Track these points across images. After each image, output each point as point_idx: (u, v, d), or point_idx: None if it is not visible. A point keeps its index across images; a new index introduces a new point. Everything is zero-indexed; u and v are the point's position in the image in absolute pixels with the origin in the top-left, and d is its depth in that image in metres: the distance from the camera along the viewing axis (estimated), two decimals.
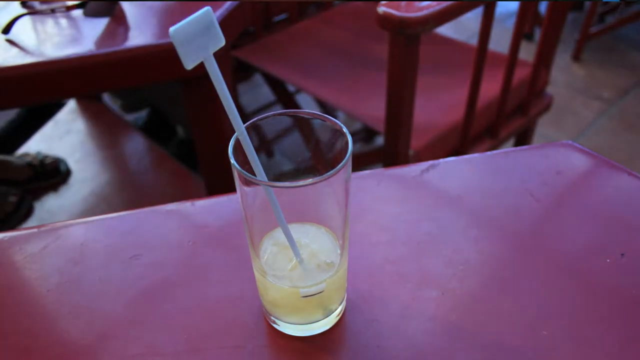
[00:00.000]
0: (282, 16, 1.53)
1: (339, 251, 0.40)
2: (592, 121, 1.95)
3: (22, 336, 0.42)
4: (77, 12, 0.85)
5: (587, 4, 2.39)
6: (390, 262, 0.46)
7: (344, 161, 0.34)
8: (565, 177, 0.54)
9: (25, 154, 1.31)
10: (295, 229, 0.40)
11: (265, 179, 0.36)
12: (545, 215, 0.50)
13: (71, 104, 1.56)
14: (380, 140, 1.76)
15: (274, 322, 0.41)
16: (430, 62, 1.26)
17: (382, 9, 0.83)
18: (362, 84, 1.27)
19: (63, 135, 1.45)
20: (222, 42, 0.31)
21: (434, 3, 0.83)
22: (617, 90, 2.10)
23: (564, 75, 2.18)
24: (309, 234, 0.41)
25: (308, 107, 1.82)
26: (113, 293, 0.45)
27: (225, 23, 0.80)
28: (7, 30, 0.79)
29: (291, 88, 1.65)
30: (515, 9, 0.99)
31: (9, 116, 1.44)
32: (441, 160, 0.56)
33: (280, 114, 0.38)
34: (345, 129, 0.36)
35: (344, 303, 0.42)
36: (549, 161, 0.56)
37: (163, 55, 0.77)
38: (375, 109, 1.13)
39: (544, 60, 1.16)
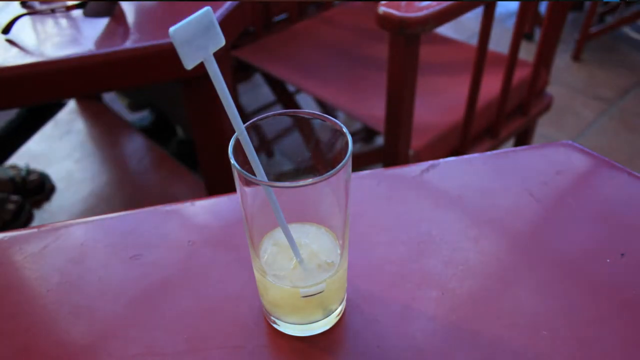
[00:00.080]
0: (282, 16, 1.53)
1: (339, 251, 0.40)
2: (592, 121, 1.95)
3: (22, 336, 0.42)
4: (77, 12, 0.85)
5: (587, 4, 2.40)
6: (390, 262, 0.46)
7: (344, 161, 0.34)
8: (565, 177, 0.54)
9: (13, 166, 1.30)
10: (295, 229, 0.40)
11: (266, 179, 0.36)
12: (545, 215, 0.50)
13: (71, 104, 1.56)
14: (380, 140, 1.76)
15: (274, 322, 0.41)
16: (430, 62, 1.26)
17: (382, 9, 0.83)
18: (362, 84, 1.27)
19: (63, 135, 1.45)
20: (222, 42, 0.31)
21: (434, 3, 0.83)
22: (617, 90, 2.10)
23: (564, 75, 2.18)
24: (309, 234, 0.41)
25: (308, 107, 1.82)
26: (113, 293, 0.45)
27: (225, 23, 0.80)
28: (7, 30, 0.79)
29: (291, 88, 1.65)
30: (515, 9, 0.99)
31: (9, 116, 1.44)
32: (441, 160, 0.56)
33: (280, 114, 0.38)
34: (345, 129, 0.36)
35: (344, 303, 0.42)
36: (549, 161, 0.56)
37: (163, 55, 0.77)
38: (375, 109, 1.13)
39: (544, 60, 1.16)
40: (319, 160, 0.40)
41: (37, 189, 1.25)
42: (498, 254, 0.47)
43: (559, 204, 0.51)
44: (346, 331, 0.41)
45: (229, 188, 0.45)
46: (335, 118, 0.37)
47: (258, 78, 2.00)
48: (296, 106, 1.64)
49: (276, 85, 1.57)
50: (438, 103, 1.18)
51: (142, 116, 1.70)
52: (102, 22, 0.83)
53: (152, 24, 0.85)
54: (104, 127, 1.51)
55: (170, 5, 0.87)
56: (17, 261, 0.48)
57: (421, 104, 1.02)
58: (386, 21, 0.83)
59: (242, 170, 0.33)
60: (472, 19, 1.40)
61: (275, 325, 0.41)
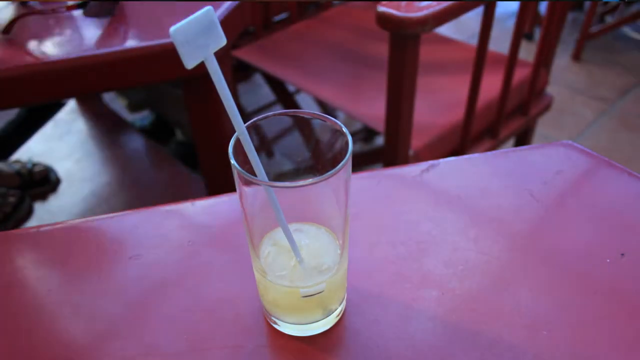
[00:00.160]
0: (282, 16, 1.53)
1: (339, 251, 0.40)
2: (592, 121, 1.95)
3: (23, 336, 0.42)
4: (77, 12, 0.85)
5: (587, 4, 2.40)
6: (390, 262, 0.46)
7: (344, 161, 0.33)
8: (565, 177, 0.54)
9: (17, 161, 1.31)
10: (295, 229, 0.40)
11: (266, 179, 0.36)
12: (545, 215, 0.50)
13: (71, 104, 1.56)
14: (380, 140, 1.76)
15: (274, 322, 0.41)
16: (430, 62, 1.26)
17: (382, 9, 0.83)
18: (362, 84, 1.27)
19: (63, 135, 1.45)
20: (223, 42, 0.31)
21: (434, 3, 0.83)
22: (617, 90, 2.10)
23: (564, 75, 2.18)
24: (309, 234, 0.41)
25: (308, 107, 1.82)
26: (113, 293, 0.45)
27: (225, 23, 0.80)
28: (7, 30, 0.79)
29: (291, 88, 1.65)
30: (515, 9, 0.99)
31: (9, 116, 1.44)
32: (441, 160, 0.56)
33: (280, 114, 0.38)
34: (345, 129, 0.36)
35: (344, 303, 0.42)
36: (549, 161, 0.56)
37: (163, 55, 0.77)
38: (375, 109, 1.13)
39: (544, 60, 1.16)
40: (319, 160, 0.40)
41: (43, 180, 1.26)
42: (498, 254, 0.47)
43: (559, 204, 0.51)
44: (346, 331, 0.41)
45: (229, 188, 0.45)
46: (335, 118, 0.37)
47: (258, 78, 2.00)
48: (296, 106, 1.64)
49: (276, 85, 1.57)
50: (438, 103, 1.18)
51: (142, 116, 1.70)
52: (102, 22, 0.83)
53: (152, 24, 0.85)
54: (104, 127, 1.51)
55: (171, 5, 0.87)
56: (17, 261, 0.48)
57: (421, 104, 1.02)
58: (386, 21, 0.83)
59: (242, 170, 0.33)
60: (472, 19, 1.40)
61: (275, 325, 0.41)
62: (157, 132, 1.61)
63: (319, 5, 1.58)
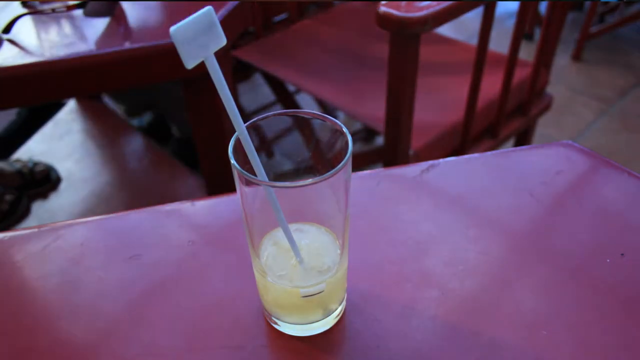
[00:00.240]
0: (282, 16, 1.53)
1: (339, 251, 0.40)
2: (592, 121, 1.95)
3: (23, 336, 0.42)
4: (78, 12, 0.85)
5: (587, 4, 2.40)
6: (390, 262, 0.46)
7: (344, 161, 0.33)
8: (565, 177, 0.54)
9: (17, 160, 1.31)
10: (295, 229, 0.40)
11: (266, 179, 0.36)
12: (545, 215, 0.50)
13: (71, 104, 1.56)
14: (380, 140, 1.76)
15: (274, 322, 0.41)
16: (430, 62, 1.26)
17: (382, 9, 0.83)
18: (362, 84, 1.27)
19: (63, 135, 1.45)
20: (223, 42, 0.31)
21: (434, 3, 0.83)
22: (617, 90, 2.10)
23: (564, 75, 2.18)
24: (309, 234, 0.41)
25: (308, 107, 1.82)
26: (113, 293, 0.45)
27: (225, 23, 0.80)
28: (7, 30, 0.79)
29: (291, 88, 1.65)
30: (515, 9, 0.99)
31: (9, 116, 1.44)
32: (441, 160, 0.56)
33: (280, 114, 0.38)
34: (345, 129, 0.36)
35: (344, 303, 0.42)
36: (549, 161, 0.56)
37: (163, 55, 0.77)
38: (375, 109, 1.13)
39: (544, 60, 1.16)
40: (319, 160, 0.40)
41: (44, 180, 1.26)
42: (498, 254, 0.47)
43: (559, 204, 0.51)
44: (346, 331, 0.41)
45: (229, 188, 0.45)
46: (335, 118, 0.37)
47: (258, 78, 2.00)
48: (296, 106, 1.64)
49: (276, 85, 1.57)
50: (438, 103, 1.18)
51: (138, 121, 1.70)
52: (103, 22, 0.83)
53: (152, 24, 0.85)
54: (104, 127, 1.51)
55: (171, 5, 0.87)
56: (17, 261, 0.48)
57: (421, 104, 1.02)
58: (386, 21, 0.83)
59: (242, 170, 0.33)
60: (472, 19, 1.40)
61: (275, 325, 0.41)
62: (155, 132, 1.61)
63: (319, 5, 1.58)
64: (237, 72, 1.66)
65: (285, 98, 1.62)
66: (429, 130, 1.09)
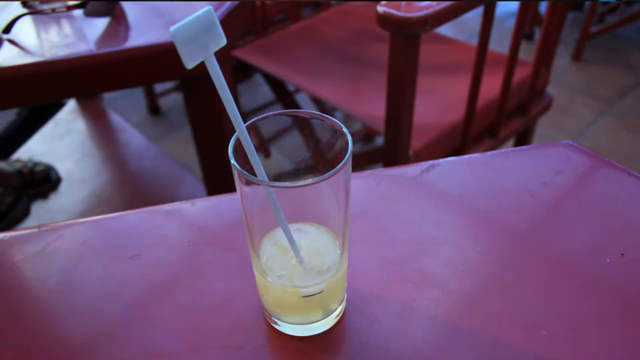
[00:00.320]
0: (282, 16, 1.53)
1: (339, 251, 0.40)
2: (592, 121, 1.95)
3: (22, 336, 0.42)
4: (78, 12, 0.85)
5: (587, 4, 2.40)
6: (390, 262, 0.46)
7: (344, 161, 0.33)
8: (565, 177, 0.54)
9: (17, 160, 1.31)
10: (295, 229, 0.40)
11: (266, 178, 0.36)
12: (545, 215, 0.50)
13: (71, 104, 1.56)
14: (380, 140, 1.76)
15: (274, 322, 0.41)
16: (430, 62, 1.26)
17: (382, 9, 0.83)
18: (362, 84, 1.27)
19: (63, 135, 1.45)
20: (224, 42, 0.31)
21: (434, 3, 0.83)
22: (617, 90, 2.10)
23: (564, 75, 2.18)
24: (309, 234, 0.41)
25: (308, 107, 1.82)
26: (113, 293, 0.45)
27: (225, 23, 0.80)
28: (7, 30, 0.79)
29: (291, 88, 1.65)
30: (515, 9, 0.99)
31: (9, 116, 1.44)
32: (441, 160, 0.56)
33: (280, 114, 0.38)
34: (345, 129, 0.36)
35: (344, 303, 0.42)
36: (549, 161, 0.56)
37: (163, 55, 0.77)
38: (375, 109, 1.13)
39: (544, 60, 1.16)
40: (319, 160, 0.40)
41: (44, 179, 1.26)
42: (498, 254, 0.47)
43: (559, 204, 0.51)
44: (346, 331, 0.41)
45: (229, 188, 0.45)
46: (335, 118, 0.37)
47: (258, 78, 2.00)
48: (296, 106, 1.64)
49: (276, 85, 1.57)
50: (438, 103, 1.18)
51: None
52: (103, 22, 0.83)
53: (152, 23, 0.85)
54: (104, 127, 1.51)
55: (171, 5, 0.87)
56: (17, 261, 0.48)
57: (421, 104, 1.02)
58: (386, 21, 0.83)
59: (242, 170, 0.33)
60: (472, 19, 1.40)
61: (275, 325, 0.41)
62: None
63: (318, 5, 1.58)
64: (237, 72, 1.66)
65: (285, 98, 1.62)
66: (429, 130, 1.09)
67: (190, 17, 0.29)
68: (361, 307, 0.43)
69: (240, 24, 0.89)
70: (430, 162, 0.56)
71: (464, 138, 1.10)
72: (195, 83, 0.85)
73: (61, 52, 0.76)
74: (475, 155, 0.58)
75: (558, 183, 0.53)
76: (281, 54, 1.40)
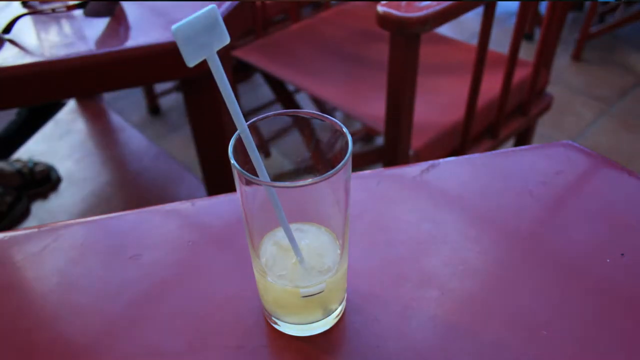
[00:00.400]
0: (282, 16, 1.53)
1: (339, 251, 0.40)
2: (592, 121, 1.95)
3: (22, 336, 0.42)
4: (78, 12, 0.85)
5: (587, 4, 2.40)
6: (390, 262, 0.46)
7: (344, 161, 0.33)
8: (565, 177, 0.54)
9: (17, 160, 1.31)
10: (296, 229, 0.40)
11: (268, 178, 0.36)
12: (545, 215, 0.50)
13: (71, 104, 1.56)
14: (380, 140, 1.76)
15: (274, 322, 0.41)
16: (430, 62, 1.26)
17: (382, 8, 0.83)
18: (362, 84, 1.27)
19: (63, 135, 1.45)
20: (227, 40, 0.31)
21: (434, 3, 0.83)
22: (617, 90, 2.10)
23: (564, 75, 2.18)
24: (309, 234, 0.41)
25: (308, 107, 1.82)
26: (113, 293, 0.45)
27: (225, 23, 0.80)
28: (7, 30, 0.79)
29: (291, 88, 1.65)
30: (515, 9, 0.99)
31: (9, 116, 1.44)
32: (441, 160, 0.56)
33: (280, 114, 0.38)
34: (345, 129, 0.36)
35: (344, 303, 0.42)
36: (549, 161, 0.56)
37: (164, 55, 0.77)
38: (375, 109, 1.13)
39: (544, 60, 1.16)
40: (319, 160, 0.40)
41: (44, 179, 1.26)
42: (498, 254, 0.47)
43: (559, 204, 0.51)
44: (346, 331, 0.41)
45: (229, 188, 0.45)
46: (335, 118, 0.37)
47: (258, 78, 2.00)
48: (296, 106, 1.64)
49: (276, 85, 1.57)
50: (438, 103, 1.18)
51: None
52: (103, 22, 0.83)
53: (152, 23, 0.85)
54: (104, 127, 1.51)
55: (171, 5, 0.87)
56: (17, 261, 0.48)
57: (421, 104, 1.02)
58: (386, 21, 0.83)
59: (243, 170, 0.33)
60: (472, 19, 1.40)
61: (275, 325, 0.41)
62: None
63: (318, 5, 1.58)
64: (237, 72, 1.66)
65: (285, 98, 1.62)
66: (429, 130, 1.09)
67: (193, 16, 0.29)
68: (361, 307, 0.43)
69: (240, 24, 0.89)
70: (430, 162, 0.56)
71: (464, 138, 1.10)
72: (196, 83, 0.85)
73: (61, 52, 0.76)
74: (475, 155, 0.58)
75: (558, 183, 0.53)
76: (281, 54, 1.40)
